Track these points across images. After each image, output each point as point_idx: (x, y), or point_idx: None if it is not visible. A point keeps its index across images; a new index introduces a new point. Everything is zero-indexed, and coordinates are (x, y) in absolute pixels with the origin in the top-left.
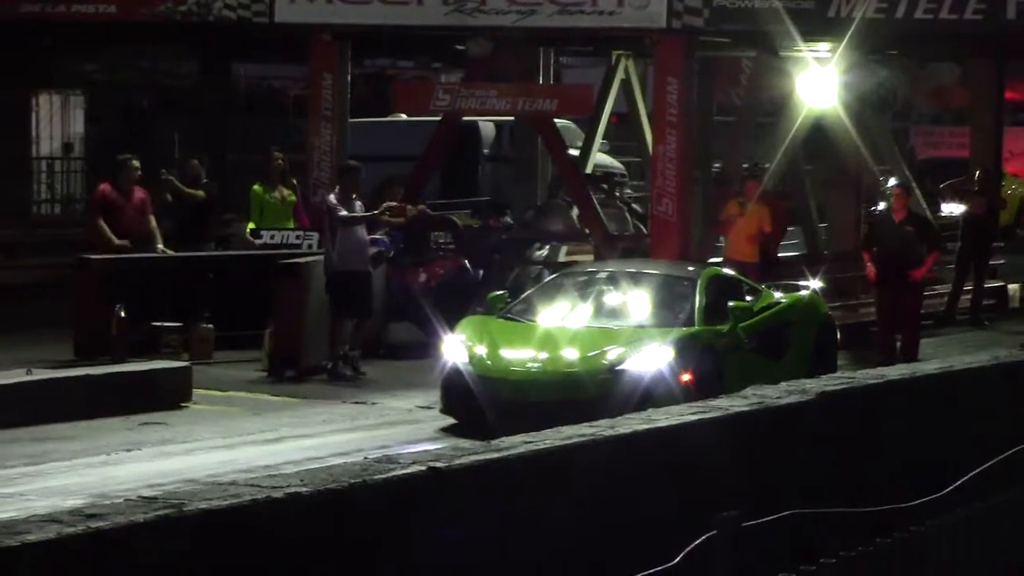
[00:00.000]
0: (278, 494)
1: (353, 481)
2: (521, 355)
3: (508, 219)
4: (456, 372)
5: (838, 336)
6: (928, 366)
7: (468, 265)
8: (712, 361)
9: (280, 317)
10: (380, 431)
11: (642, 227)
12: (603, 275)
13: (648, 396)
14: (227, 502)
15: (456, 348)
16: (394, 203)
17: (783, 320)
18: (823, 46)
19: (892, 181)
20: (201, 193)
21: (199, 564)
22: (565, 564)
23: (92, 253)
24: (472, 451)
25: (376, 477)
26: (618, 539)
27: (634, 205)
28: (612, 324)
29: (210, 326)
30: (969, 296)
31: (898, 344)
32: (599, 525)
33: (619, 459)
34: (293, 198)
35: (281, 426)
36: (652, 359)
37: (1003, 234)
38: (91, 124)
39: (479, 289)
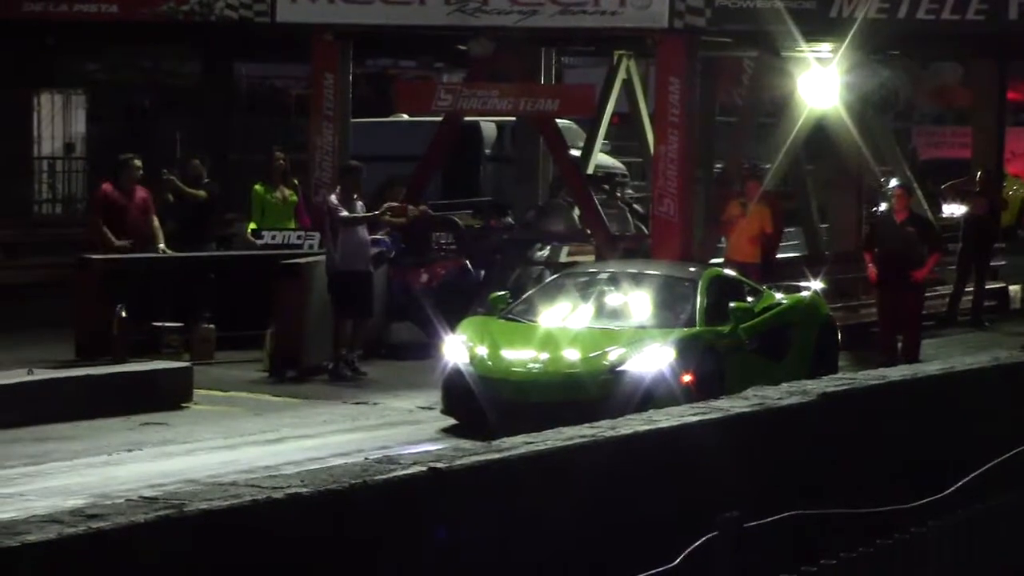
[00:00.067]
0: (279, 494)
1: (354, 482)
2: (522, 356)
3: (509, 219)
4: (457, 373)
5: (839, 337)
6: (929, 367)
7: (469, 265)
8: (713, 362)
9: (281, 317)
10: (381, 431)
11: (643, 228)
12: (604, 276)
13: (649, 397)
14: (228, 502)
15: (457, 349)
16: (395, 203)
17: (784, 321)
18: (825, 46)
19: (894, 182)
20: (203, 193)
21: (200, 564)
22: (566, 565)
23: (93, 253)
24: (473, 452)
25: (377, 478)
26: (619, 540)
27: (635, 205)
28: (613, 325)
29: (211, 326)
30: (970, 297)
31: (899, 345)
32: (600, 526)
33: (620, 460)
34: (295, 198)
35: (282, 426)
36: (653, 360)
37: (1004, 235)
38: (93, 124)
39: (480, 289)
